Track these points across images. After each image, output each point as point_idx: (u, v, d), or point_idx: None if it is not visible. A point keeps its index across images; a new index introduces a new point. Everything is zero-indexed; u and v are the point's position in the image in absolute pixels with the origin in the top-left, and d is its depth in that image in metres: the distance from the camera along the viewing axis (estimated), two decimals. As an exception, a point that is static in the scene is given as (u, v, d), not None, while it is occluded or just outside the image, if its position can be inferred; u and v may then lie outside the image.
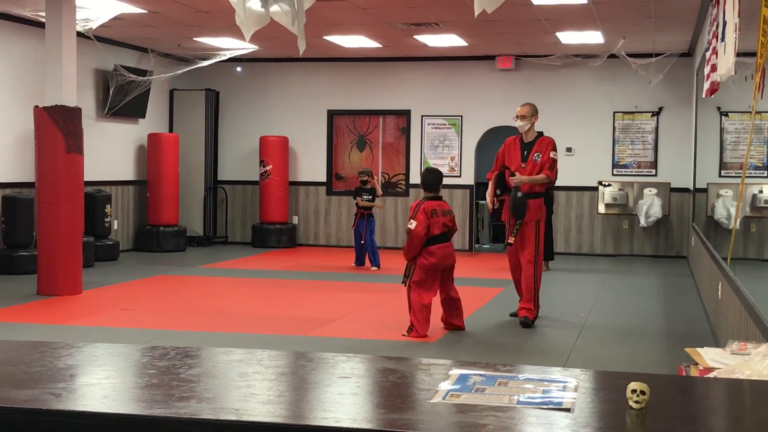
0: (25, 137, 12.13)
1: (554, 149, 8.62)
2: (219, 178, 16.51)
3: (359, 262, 13.06)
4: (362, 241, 12.83)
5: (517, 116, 8.73)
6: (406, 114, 15.88)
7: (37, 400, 2.08)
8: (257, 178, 16.05)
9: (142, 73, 14.29)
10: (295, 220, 16.24)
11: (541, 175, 8.53)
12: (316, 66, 16.07)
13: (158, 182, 14.87)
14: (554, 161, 8.58)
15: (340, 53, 15.17)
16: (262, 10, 3.10)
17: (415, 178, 15.80)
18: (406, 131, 15.91)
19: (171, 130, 16.00)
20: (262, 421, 1.94)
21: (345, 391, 2.21)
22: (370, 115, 16.08)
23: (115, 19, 11.60)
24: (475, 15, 4.07)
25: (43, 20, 10.33)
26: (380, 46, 14.21)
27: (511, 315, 8.95)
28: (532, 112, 8.70)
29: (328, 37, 13.47)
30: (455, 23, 12.17)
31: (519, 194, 8.49)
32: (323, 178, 16.21)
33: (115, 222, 14.46)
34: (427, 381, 2.27)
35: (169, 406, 2.04)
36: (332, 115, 16.17)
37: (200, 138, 15.96)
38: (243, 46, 14.08)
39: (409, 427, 1.86)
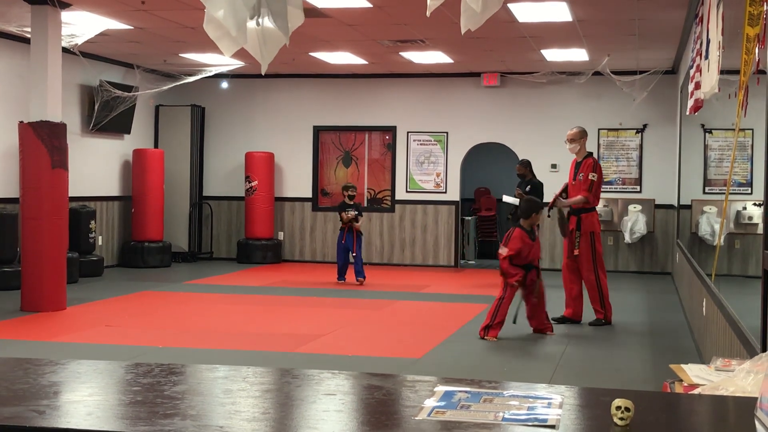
0: (9, 153, 12.09)
1: (594, 170, 9.52)
2: (204, 194, 16.48)
3: (342, 277, 13.07)
4: (353, 254, 12.89)
5: (567, 140, 9.72)
6: (391, 130, 15.91)
7: (20, 418, 2.07)
8: (243, 194, 16.04)
9: (128, 88, 14.27)
10: (281, 235, 16.22)
11: (578, 197, 9.48)
12: (302, 82, 16.09)
13: (143, 198, 14.83)
14: (591, 182, 9.48)
15: (326, 69, 15.20)
16: (254, 27, 3.08)
17: (400, 194, 15.82)
18: (392, 147, 15.93)
19: (156, 145, 15.97)
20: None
21: (330, 408, 2.20)
22: (356, 131, 16.11)
23: (101, 35, 11.59)
24: (462, 33, 4.08)
25: (29, 36, 10.31)
26: (366, 62, 14.25)
27: (554, 320, 9.41)
28: (581, 135, 9.66)
29: (314, 54, 13.50)
30: (441, 40, 12.22)
31: (560, 216, 9.64)
32: (309, 194, 16.20)
33: (100, 238, 14.40)
34: (413, 398, 2.27)
35: (153, 423, 2.03)
36: (318, 131, 16.18)
37: (186, 154, 15.94)
38: (229, 62, 14.08)
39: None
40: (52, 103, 10.03)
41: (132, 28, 11.41)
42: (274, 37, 3.07)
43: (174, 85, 14.64)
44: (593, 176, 9.48)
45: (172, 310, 10.50)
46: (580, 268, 9.52)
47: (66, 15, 10.29)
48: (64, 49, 10.72)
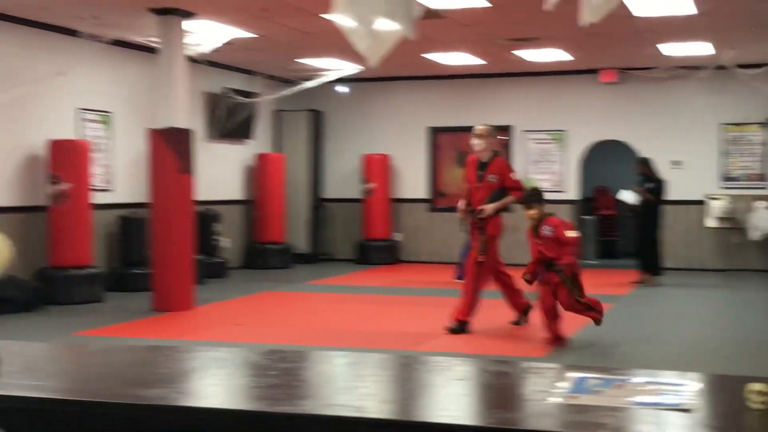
0: (139, 159, 12.54)
1: (512, 170, 9.01)
2: (323, 196, 16.74)
3: (462, 277, 13.07)
4: None
5: (474, 135, 8.97)
6: (507, 129, 15.83)
7: (166, 398, 2.18)
8: (360, 196, 16.22)
9: (250, 95, 14.63)
10: (398, 236, 16.33)
11: (512, 198, 8.75)
12: (417, 84, 16.18)
13: (265, 201, 15.18)
14: (519, 182, 8.93)
15: (440, 71, 15.25)
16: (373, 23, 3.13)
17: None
18: (508, 147, 15.86)
19: (277, 150, 16.31)
20: (386, 418, 1.99)
21: (461, 392, 2.25)
22: (471, 131, 16.04)
23: (227, 43, 11.90)
24: (582, 24, 4.06)
25: (156, 45, 10.69)
26: (481, 62, 14.23)
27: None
28: (490, 133, 8.96)
29: (428, 55, 13.55)
30: (557, 37, 12.11)
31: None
32: (425, 195, 16.27)
33: (224, 240, 14.78)
34: (543, 383, 2.30)
35: (292, 404, 2.12)
36: (434, 132, 16.24)
37: (304, 157, 16.24)
38: (346, 67, 14.27)
39: (530, 425, 1.90)
40: (179, 110, 10.37)
41: (255, 36, 11.70)
42: (389, 34, 3.12)
43: (293, 90, 14.91)
44: (515, 175, 8.96)
45: (295, 310, 10.71)
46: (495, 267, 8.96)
47: (191, 24, 10.63)
48: (189, 58, 11.07)
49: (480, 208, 8.69)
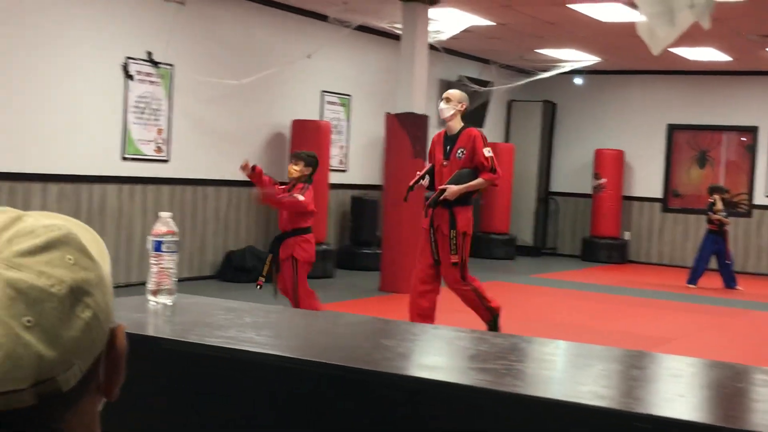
0: (372, 143, 12.87)
1: (486, 144, 7.04)
2: (551, 190, 16.55)
3: (694, 282, 12.56)
4: (728, 261, 12.37)
5: (442, 98, 7.32)
6: (752, 131, 15.02)
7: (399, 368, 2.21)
8: (590, 191, 15.90)
9: (484, 84, 14.66)
10: (627, 235, 15.89)
11: (480, 180, 7.02)
12: (657, 78, 15.64)
13: (491, 191, 15.14)
14: (491, 159, 6.99)
15: (683, 66, 14.66)
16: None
17: (759, 198, 14.91)
18: (751, 149, 15.05)
19: (507, 140, 16.27)
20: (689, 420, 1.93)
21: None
22: (712, 130, 15.39)
23: (465, 31, 11.99)
24: None
25: (398, 32, 10.91)
26: (729, 59, 13.57)
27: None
28: (460, 98, 7.18)
29: (674, 49, 13.06)
30: (817, 34, 11.35)
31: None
32: (659, 194, 15.73)
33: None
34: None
35: (520, 386, 2.09)
36: (672, 129, 15.65)
37: (534, 149, 16.11)
38: (584, 58, 14.02)
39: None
40: (418, 96, 10.54)
41: (494, 24, 11.70)
42: (681, 24, 3.02)
43: (528, 80, 14.81)
44: (489, 151, 6.99)
45: (519, 302, 10.64)
46: (445, 278, 7.32)
47: (434, 12, 10.76)
48: (428, 45, 11.23)
49: (441, 188, 7.03)
